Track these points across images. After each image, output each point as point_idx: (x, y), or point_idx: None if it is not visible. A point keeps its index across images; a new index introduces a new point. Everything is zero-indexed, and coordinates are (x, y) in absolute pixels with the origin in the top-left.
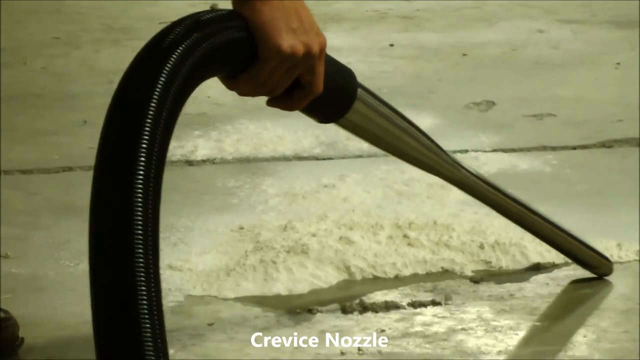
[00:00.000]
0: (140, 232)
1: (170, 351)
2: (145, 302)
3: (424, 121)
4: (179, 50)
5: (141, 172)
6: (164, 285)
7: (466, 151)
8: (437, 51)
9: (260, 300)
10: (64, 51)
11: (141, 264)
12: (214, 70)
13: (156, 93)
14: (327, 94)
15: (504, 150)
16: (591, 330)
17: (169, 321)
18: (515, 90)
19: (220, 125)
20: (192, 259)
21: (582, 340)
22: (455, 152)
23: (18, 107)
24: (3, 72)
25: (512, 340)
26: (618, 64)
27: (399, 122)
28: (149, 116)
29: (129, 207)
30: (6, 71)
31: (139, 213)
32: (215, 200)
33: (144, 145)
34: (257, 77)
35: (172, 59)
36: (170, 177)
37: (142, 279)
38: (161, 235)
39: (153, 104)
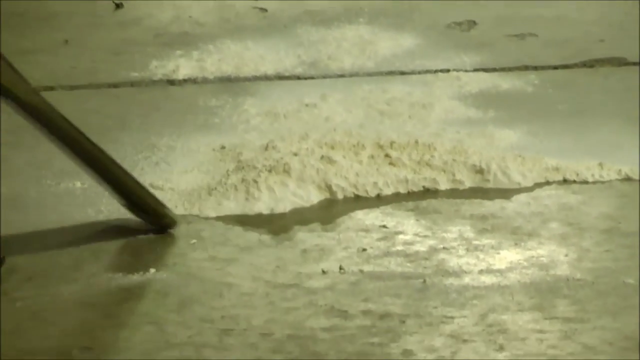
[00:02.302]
0: None
1: (152, 270)
2: None
3: (406, 41)
4: None
5: None
6: None
7: (448, 71)
8: None
9: (241, 220)
10: None
11: None
12: None
13: None
14: None
15: (486, 70)
16: (572, 250)
17: (155, 238)
18: (497, 9)
19: (202, 44)
20: (174, 178)
21: (563, 259)
22: (436, 71)
23: None
24: None
25: (494, 259)
26: None
27: None
28: None
29: None
30: None
31: None
32: (197, 120)
33: None
34: None
35: None
36: (151, 97)
37: None
38: (143, 154)
39: None
